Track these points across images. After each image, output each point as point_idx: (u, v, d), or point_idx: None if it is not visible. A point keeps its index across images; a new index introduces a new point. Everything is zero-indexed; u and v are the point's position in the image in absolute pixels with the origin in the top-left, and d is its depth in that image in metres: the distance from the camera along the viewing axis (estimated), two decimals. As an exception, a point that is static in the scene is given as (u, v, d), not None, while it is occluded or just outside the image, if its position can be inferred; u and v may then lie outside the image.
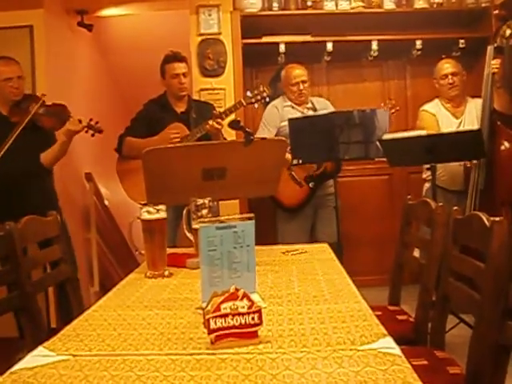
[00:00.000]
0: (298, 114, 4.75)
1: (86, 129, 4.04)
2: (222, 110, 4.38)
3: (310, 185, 4.73)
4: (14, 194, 4.00)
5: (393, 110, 4.63)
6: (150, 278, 2.29)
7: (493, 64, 4.29)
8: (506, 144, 4.25)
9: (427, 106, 4.83)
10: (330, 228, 4.49)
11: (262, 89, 4.28)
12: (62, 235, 4.18)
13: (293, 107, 4.89)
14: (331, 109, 4.80)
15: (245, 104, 4.30)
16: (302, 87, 4.84)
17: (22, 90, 4.13)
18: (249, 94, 4.32)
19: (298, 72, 4.87)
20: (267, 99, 4.35)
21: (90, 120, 4.06)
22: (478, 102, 4.56)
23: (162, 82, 4.53)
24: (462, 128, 4.62)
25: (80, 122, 3.96)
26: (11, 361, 1.39)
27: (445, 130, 4.59)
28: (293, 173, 4.61)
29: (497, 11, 4.67)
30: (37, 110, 4.02)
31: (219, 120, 4.17)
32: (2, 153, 3.85)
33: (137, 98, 4.69)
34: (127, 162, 4.37)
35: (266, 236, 3.93)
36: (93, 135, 4.15)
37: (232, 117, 4.33)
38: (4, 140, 3.89)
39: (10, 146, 3.88)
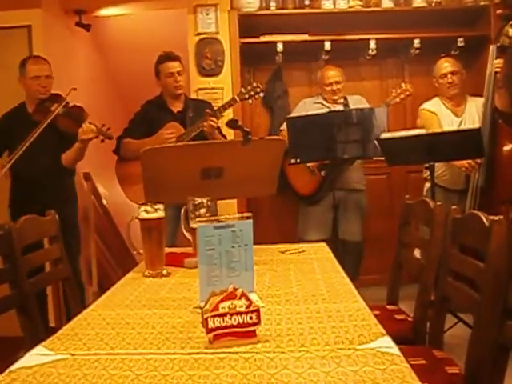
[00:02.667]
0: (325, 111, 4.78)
1: (97, 134, 4.04)
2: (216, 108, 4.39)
3: (322, 173, 4.77)
4: (33, 191, 4.09)
5: (402, 96, 4.64)
6: (148, 277, 2.29)
7: (496, 63, 4.29)
8: (508, 143, 4.24)
9: (427, 105, 4.81)
10: (353, 226, 4.52)
11: (255, 84, 4.31)
12: (75, 234, 4.28)
13: (322, 104, 4.95)
14: (365, 105, 4.85)
15: (238, 100, 4.32)
16: (335, 88, 4.94)
17: (48, 89, 4.16)
18: (242, 90, 4.34)
19: (332, 73, 4.97)
20: (261, 95, 4.37)
21: (103, 126, 4.06)
22: (479, 100, 4.56)
23: (158, 83, 4.53)
24: (462, 127, 4.61)
25: (92, 129, 3.95)
26: (12, 360, 1.39)
27: (446, 128, 4.58)
28: None
29: (500, 10, 4.66)
30: (58, 111, 4.04)
31: (214, 118, 4.18)
32: (22, 150, 3.90)
33: (135, 98, 4.69)
34: (126, 163, 4.37)
35: (265, 235, 3.93)
36: (102, 141, 4.16)
37: (230, 114, 4.34)
38: (25, 137, 3.93)
39: (32, 145, 3.92)
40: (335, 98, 4.95)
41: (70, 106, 4.14)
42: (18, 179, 4.19)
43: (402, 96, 4.67)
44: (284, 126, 4.96)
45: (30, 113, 4.13)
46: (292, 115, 4.83)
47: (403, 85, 4.74)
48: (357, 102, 4.94)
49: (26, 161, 3.93)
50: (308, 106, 4.97)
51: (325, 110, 4.60)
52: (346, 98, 5.01)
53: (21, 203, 4.00)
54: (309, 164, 4.74)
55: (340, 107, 4.88)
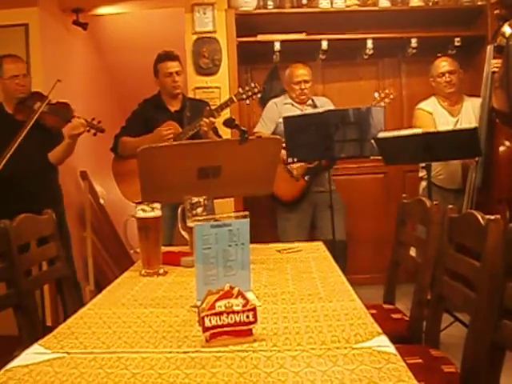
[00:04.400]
0: (297, 112, 4.76)
1: (88, 128, 4.02)
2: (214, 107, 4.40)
3: (306, 178, 4.74)
4: (20, 191, 4.02)
5: (387, 100, 4.62)
6: (145, 276, 2.29)
7: (494, 63, 4.29)
8: (505, 142, 4.25)
9: (423, 104, 4.82)
10: (337, 225, 4.51)
11: (253, 85, 4.32)
12: (63, 233, 4.21)
13: (292, 105, 4.92)
14: (331, 107, 4.82)
15: (235, 100, 4.33)
16: (303, 86, 4.89)
17: (27, 87, 4.12)
18: (240, 90, 4.35)
19: (301, 72, 4.92)
20: (259, 95, 4.38)
21: (93, 119, 4.05)
22: (475, 100, 4.56)
23: (156, 82, 4.54)
24: (458, 126, 4.62)
25: (82, 123, 3.93)
26: (8, 358, 1.39)
27: (441, 128, 4.59)
28: (288, 167, 4.64)
29: (497, 10, 4.66)
30: (43, 109, 4.00)
31: (212, 118, 4.18)
32: (11, 152, 3.83)
33: (133, 97, 4.69)
34: (123, 161, 4.37)
35: (261, 234, 3.93)
36: (95, 134, 4.14)
37: (227, 114, 4.34)
38: (10, 138, 3.88)
39: (19, 145, 3.86)
40: (303, 97, 4.92)
41: (53, 102, 4.10)
42: (3, 181, 4.01)
43: (387, 100, 4.65)
44: (258, 128, 4.94)
45: (11, 113, 4.10)
46: (272, 116, 4.87)
47: (387, 90, 4.71)
48: (324, 105, 4.93)
49: (12, 162, 3.86)
50: (280, 108, 4.96)
51: (322, 109, 4.60)
52: (313, 100, 5.01)
53: (6, 205, 3.81)
54: (292, 170, 4.71)
55: (309, 108, 4.88)
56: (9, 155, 3.84)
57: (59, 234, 4.12)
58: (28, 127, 3.91)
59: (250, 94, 4.29)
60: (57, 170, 4.31)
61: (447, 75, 4.69)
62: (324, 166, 4.67)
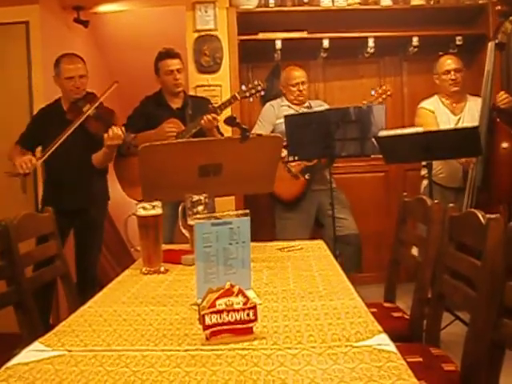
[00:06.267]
0: (324, 108, 4.74)
1: (123, 141, 4.02)
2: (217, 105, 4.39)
3: (306, 176, 4.72)
4: (64, 190, 4.10)
5: (384, 96, 4.59)
6: (146, 274, 2.29)
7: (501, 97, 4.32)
8: (505, 141, 4.24)
9: (425, 103, 4.80)
10: (349, 220, 4.53)
11: (256, 82, 4.30)
12: (96, 237, 4.33)
13: (289, 107, 4.89)
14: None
15: (239, 98, 4.31)
16: (301, 88, 4.87)
17: (82, 88, 4.14)
18: (243, 87, 4.34)
19: (298, 73, 4.90)
20: (262, 93, 4.37)
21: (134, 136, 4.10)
22: (479, 100, 4.55)
23: (157, 80, 4.53)
24: (460, 125, 4.61)
25: (119, 136, 3.92)
26: (8, 356, 1.39)
27: (443, 126, 4.58)
28: (288, 166, 4.62)
29: (498, 7, 4.65)
30: (90, 113, 4.03)
31: (214, 115, 4.18)
32: (55, 147, 3.89)
33: (134, 94, 4.68)
34: (124, 159, 4.36)
35: (262, 232, 3.93)
36: (129, 148, 4.18)
37: (228, 112, 4.33)
38: (58, 134, 3.93)
39: (65, 144, 3.91)
40: (301, 98, 4.90)
41: (101, 107, 4.12)
42: (51, 178, 4.19)
43: (384, 96, 4.62)
44: (255, 130, 4.89)
45: (65, 110, 4.13)
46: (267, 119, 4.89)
47: (383, 86, 4.68)
48: (319, 107, 4.91)
49: (57, 159, 3.94)
50: (277, 110, 4.93)
51: (323, 108, 4.60)
52: (309, 103, 5.00)
53: (52, 202, 3.76)
54: (292, 169, 4.70)
55: (305, 110, 4.88)
56: (50, 152, 3.89)
57: (94, 235, 4.22)
58: (72, 128, 3.94)
59: (253, 91, 4.28)
60: (102, 172, 4.32)
61: (452, 73, 4.66)
62: (323, 164, 4.67)
